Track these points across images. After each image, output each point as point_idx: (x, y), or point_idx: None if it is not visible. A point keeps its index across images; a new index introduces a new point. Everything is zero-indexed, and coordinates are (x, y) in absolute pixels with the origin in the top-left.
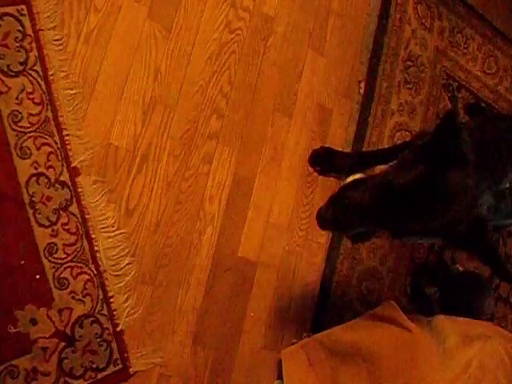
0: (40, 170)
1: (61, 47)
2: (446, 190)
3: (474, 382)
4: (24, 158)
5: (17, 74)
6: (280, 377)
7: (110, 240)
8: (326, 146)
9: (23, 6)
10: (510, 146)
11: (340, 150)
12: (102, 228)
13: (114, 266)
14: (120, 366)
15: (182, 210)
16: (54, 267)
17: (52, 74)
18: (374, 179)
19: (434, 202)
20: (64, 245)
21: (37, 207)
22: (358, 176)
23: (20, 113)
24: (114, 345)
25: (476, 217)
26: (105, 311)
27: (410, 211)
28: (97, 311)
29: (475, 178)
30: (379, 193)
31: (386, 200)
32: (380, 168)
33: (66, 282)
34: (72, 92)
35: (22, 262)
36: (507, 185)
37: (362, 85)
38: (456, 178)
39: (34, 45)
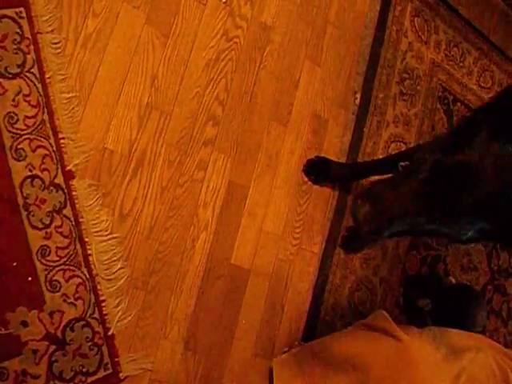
0: (35, 172)
1: (59, 50)
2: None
3: None
4: (19, 160)
5: (14, 76)
6: None
7: (103, 244)
8: (321, 155)
9: (22, 9)
10: None
11: (335, 159)
12: (96, 232)
13: (106, 270)
14: (110, 371)
15: (175, 215)
16: (46, 270)
17: (49, 77)
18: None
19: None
20: (57, 248)
21: (30, 209)
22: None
23: (16, 115)
24: (104, 349)
25: None
26: (96, 315)
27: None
28: (88, 315)
29: None
30: (429, 177)
31: (438, 180)
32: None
33: (58, 285)
34: (68, 95)
35: (15, 264)
36: None
37: (358, 96)
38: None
39: (31, 47)
